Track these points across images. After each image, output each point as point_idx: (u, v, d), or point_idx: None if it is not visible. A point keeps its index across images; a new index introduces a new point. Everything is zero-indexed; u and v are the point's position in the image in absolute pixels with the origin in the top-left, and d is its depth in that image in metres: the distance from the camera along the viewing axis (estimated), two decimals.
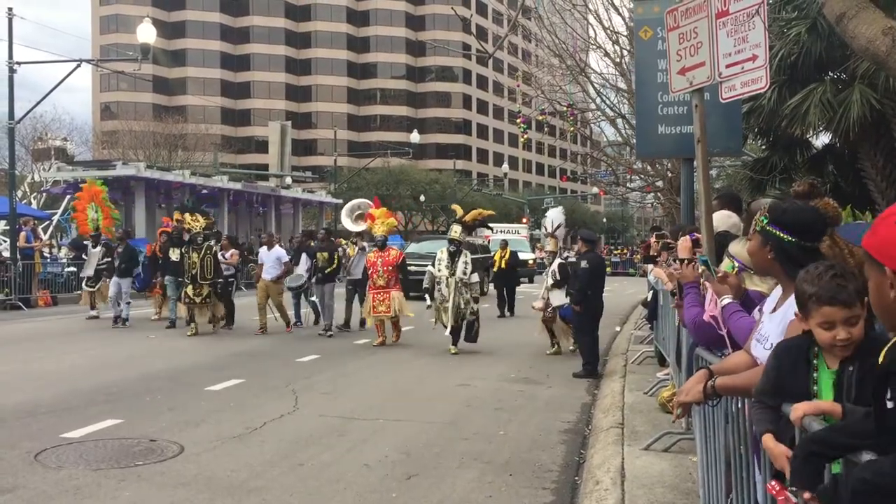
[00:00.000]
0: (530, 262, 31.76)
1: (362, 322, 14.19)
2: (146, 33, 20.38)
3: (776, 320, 2.94)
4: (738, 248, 4.00)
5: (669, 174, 17.77)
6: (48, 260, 22.88)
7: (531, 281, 30.79)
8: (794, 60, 11.57)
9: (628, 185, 29.31)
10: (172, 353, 11.74)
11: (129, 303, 15.52)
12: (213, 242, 14.66)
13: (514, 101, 28.74)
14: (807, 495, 2.11)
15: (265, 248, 15.26)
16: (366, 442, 6.64)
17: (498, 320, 17.54)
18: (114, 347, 12.36)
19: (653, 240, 10.15)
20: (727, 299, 3.65)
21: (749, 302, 3.63)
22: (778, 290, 3.07)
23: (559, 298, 11.60)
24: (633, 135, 16.93)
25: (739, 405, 3.20)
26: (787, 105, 11.31)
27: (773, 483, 2.34)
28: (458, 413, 7.89)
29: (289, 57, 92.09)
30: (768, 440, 2.46)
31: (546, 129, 30.11)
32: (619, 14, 18.42)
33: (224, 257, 15.03)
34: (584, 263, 10.78)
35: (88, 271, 16.99)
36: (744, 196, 11.41)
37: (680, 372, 6.27)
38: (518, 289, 20.82)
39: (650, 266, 10.14)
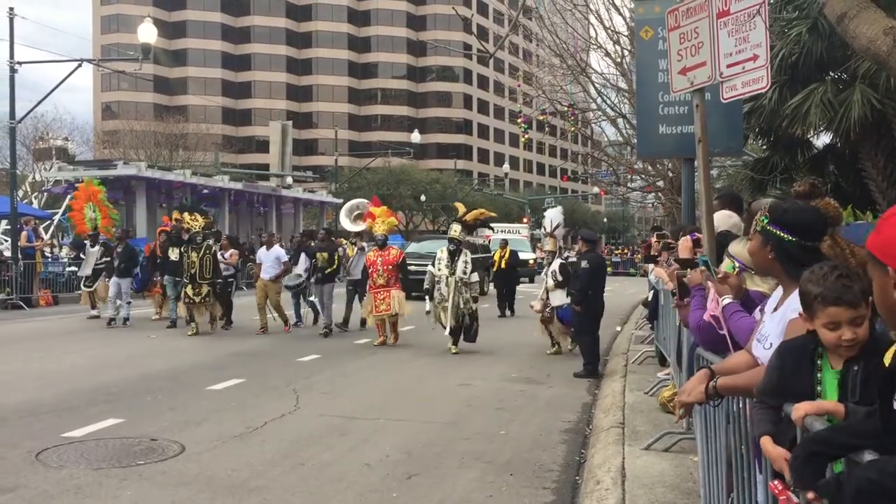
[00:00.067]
0: (531, 261, 31.75)
1: (363, 322, 14.18)
2: (147, 33, 20.39)
3: (776, 320, 2.94)
4: (738, 248, 4.00)
5: (670, 174, 17.76)
6: (49, 259, 22.89)
7: (532, 281, 30.78)
8: (794, 60, 11.57)
9: (629, 184, 29.30)
10: (173, 353, 11.75)
11: (129, 302, 15.52)
12: (212, 242, 14.65)
13: (515, 101, 28.74)
14: (810, 495, 2.11)
15: (264, 247, 15.25)
16: (367, 441, 6.65)
17: (498, 320, 17.54)
18: (114, 347, 12.37)
19: (653, 240, 10.15)
20: (727, 299, 3.65)
21: (750, 302, 3.63)
22: (779, 291, 3.07)
23: (559, 299, 11.59)
24: (633, 135, 16.93)
25: (741, 405, 3.20)
26: (788, 105, 11.31)
27: (776, 483, 2.35)
28: (459, 413, 7.90)
29: (290, 57, 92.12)
30: (766, 443, 2.46)
31: (547, 128, 30.08)
32: (620, 14, 18.40)
33: (224, 257, 15.02)
34: (584, 263, 10.78)
35: (86, 271, 16.97)
36: (744, 196, 11.41)
37: (680, 372, 6.27)
38: (518, 288, 20.82)
39: (651, 266, 10.15)
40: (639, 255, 38.15)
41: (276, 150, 45.57)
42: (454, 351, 12.05)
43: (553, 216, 12.78)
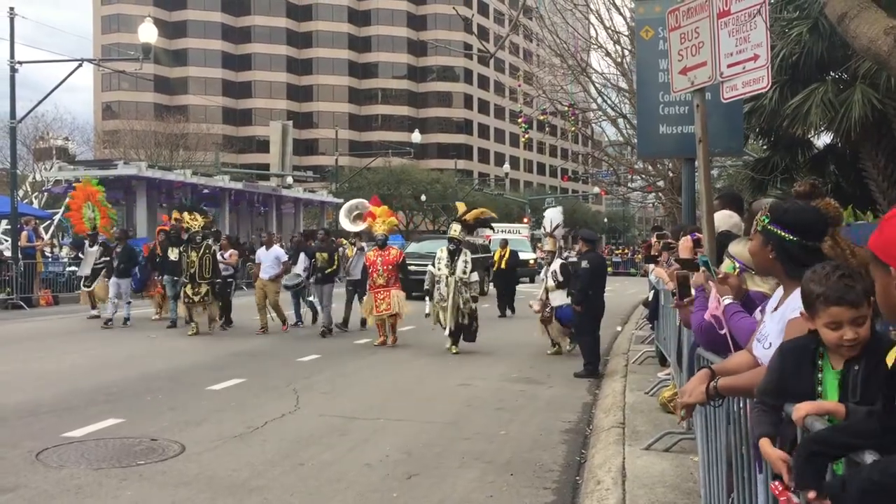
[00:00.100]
0: (531, 262, 31.75)
1: (363, 322, 14.17)
2: (147, 33, 20.40)
3: (776, 319, 2.94)
4: (738, 248, 3.99)
5: (671, 174, 17.76)
6: (50, 259, 22.89)
7: (532, 281, 30.78)
8: (795, 60, 11.57)
9: (629, 184, 29.29)
10: (173, 353, 11.75)
11: (129, 302, 15.50)
12: (211, 241, 14.63)
13: (516, 101, 28.73)
14: (811, 495, 2.11)
15: (263, 247, 15.21)
16: (367, 441, 6.64)
17: (498, 320, 17.54)
18: (114, 347, 12.36)
19: (654, 240, 10.16)
20: (728, 300, 3.65)
21: (750, 303, 3.63)
22: (780, 290, 3.07)
23: (560, 299, 11.57)
24: (634, 135, 16.93)
25: (741, 405, 3.20)
26: (789, 105, 11.31)
27: (776, 483, 2.34)
28: (459, 413, 7.89)
29: (290, 56, 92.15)
30: (765, 445, 2.46)
31: (547, 128, 30.08)
32: (621, 14, 18.39)
33: (223, 257, 15.00)
34: (584, 263, 10.78)
35: (85, 270, 16.94)
36: (745, 196, 11.42)
37: (681, 372, 6.27)
38: (518, 288, 20.81)
39: (651, 266, 10.15)
40: (639, 255, 38.15)
41: (277, 149, 45.58)
42: (454, 351, 12.05)
43: (553, 216, 12.77)
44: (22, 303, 19.29)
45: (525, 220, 56.11)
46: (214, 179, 32.46)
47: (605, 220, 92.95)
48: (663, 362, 9.37)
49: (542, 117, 25.13)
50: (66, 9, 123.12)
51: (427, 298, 12.35)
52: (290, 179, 42.14)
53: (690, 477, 5.10)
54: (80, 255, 18.46)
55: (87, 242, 17.37)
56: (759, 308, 3.31)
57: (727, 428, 3.49)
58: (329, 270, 14.46)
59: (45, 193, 31.38)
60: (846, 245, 2.81)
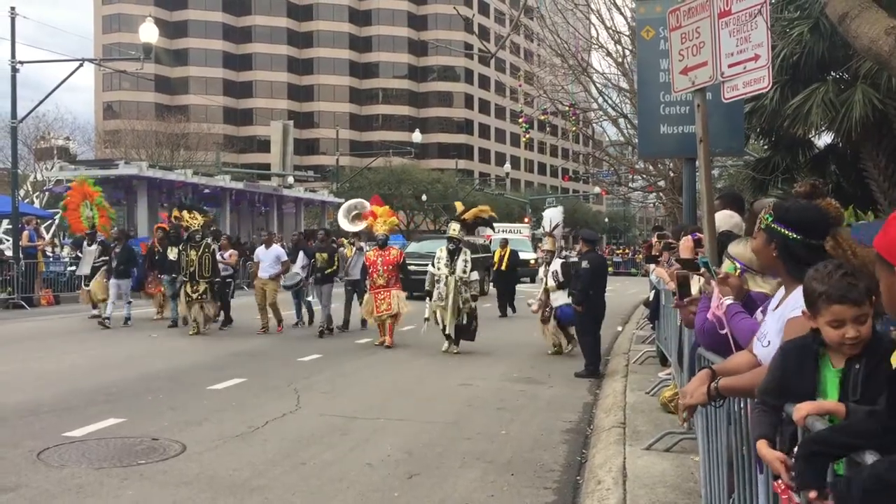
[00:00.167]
0: (531, 261, 31.74)
1: (363, 322, 14.16)
2: (148, 33, 20.41)
3: (775, 318, 2.95)
4: (738, 248, 3.98)
5: (671, 174, 17.76)
6: (51, 259, 22.90)
7: (533, 281, 30.77)
8: (796, 60, 11.56)
9: (630, 184, 29.30)
10: (173, 353, 11.75)
11: (129, 302, 15.47)
12: (210, 241, 14.60)
13: (516, 101, 28.72)
14: (811, 495, 2.11)
15: (263, 246, 15.15)
16: (368, 441, 6.65)
17: (498, 320, 17.54)
18: (114, 347, 12.36)
19: (654, 239, 10.16)
20: (729, 300, 3.65)
21: (751, 303, 3.62)
22: (782, 290, 3.07)
23: (561, 299, 11.56)
24: (635, 134, 16.93)
25: (742, 405, 3.20)
26: (790, 105, 11.30)
27: (778, 482, 2.35)
28: (460, 413, 7.90)
29: (291, 56, 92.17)
30: (762, 446, 2.46)
31: (548, 128, 30.07)
32: (622, 14, 18.39)
33: (223, 257, 14.99)
34: (585, 263, 10.77)
35: (84, 270, 16.91)
36: (746, 196, 11.42)
37: (682, 372, 6.27)
38: (519, 288, 20.79)
39: (652, 266, 10.15)
40: (640, 255, 38.13)
41: (278, 149, 45.57)
42: (455, 351, 12.04)
43: (552, 216, 12.76)
44: (23, 302, 19.31)
45: (526, 219, 56.11)
46: (215, 179, 32.45)
47: (606, 219, 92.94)
48: (664, 362, 9.37)
49: (542, 117, 25.13)
50: (67, 9, 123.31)
51: (427, 299, 12.32)
52: (290, 179, 42.13)
53: (691, 477, 5.10)
54: (78, 254, 18.44)
55: (85, 241, 17.36)
56: (761, 308, 3.31)
57: (728, 428, 3.49)
58: (329, 271, 14.45)
59: (46, 193, 31.38)
60: (847, 245, 2.80)
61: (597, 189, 50.61)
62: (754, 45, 5.12)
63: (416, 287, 15.72)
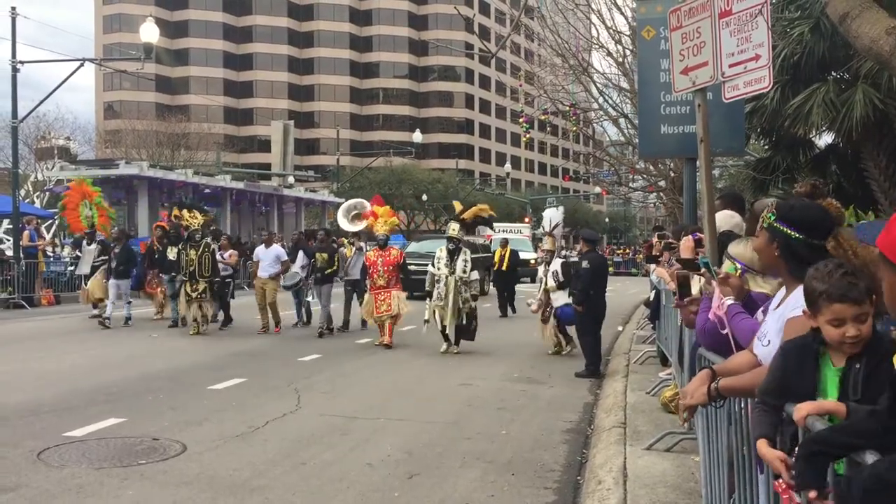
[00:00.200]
0: (532, 261, 31.73)
1: (363, 322, 14.13)
2: (149, 32, 20.41)
3: (776, 318, 2.94)
4: (738, 249, 3.98)
5: (672, 174, 17.76)
6: (51, 259, 22.91)
7: (533, 281, 30.76)
8: (797, 60, 11.55)
9: (631, 184, 29.28)
10: (173, 353, 11.75)
11: (129, 302, 15.44)
12: (209, 240, 14.57)
13: (517, 101, 28.72)
14: (811, 494, 2.11)
15: (263, 245, 15.12)
16: (368, 441, 6.65)
17: (499, 320, 17.53)
18: (114, 347, 12.36)
19: (655, 239, 10.15)
20: (729, 300, 3.65)
21: (752, 303, 3.62)
22: (783, 290, 3.06)
23: (561, 299, 11.54)
24: (635, 134, 16.92)
25: (742, 405, 3.20)
26: (790, 105, 11.29)
27: (779, 481, 2.35)
28: (460, 413, 7.89)
29: (291, 56, 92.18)
30: (762, 446, 2.46)
31: (548, 128, 30.08)
32: (622, 14, 18.38)
33: (223, 257, 14.96)
34: (585, 263, 10.77)
35: (84, 269, 16.89)
36: (746, 196, 11.40)
37: (682, 372, 6.27)
38: (519, 288, 20.78)
39: (652, 266, 10.14)
40: (640, 255, 38.12)
41: (278, 149, 45.56)
42: (455, 351, 12.03)
43: (552, 215, 12.75)
44: (24, 302, 19.31)
45: (526, 219, 56.12)
46: (216, 179, 32.45)
47: (607, 219, 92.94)
48: (664, 362, 9.37)
49: (543, 117, 25.13)
50: (68, 8, 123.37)
51: (428, 299, 12.28)
52: (291, 179, 42.13)
53: (692, 477, 5.10)
54: (78, 253, 18.41)
55: (84, 241, 17.35)
56: (762, 309, 3.31)
57: (728, 429, 3.49)
58: (329, 271, 14.43)
59: (47, 193, 31.43)
60: (848, 245, 2.81)
61: (597, 189, 50.64)
62: (755, 44, 5.12)
63: (416, 287, 15.70)
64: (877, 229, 1.99)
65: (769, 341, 2.90)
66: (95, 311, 16.26)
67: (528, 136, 30.72)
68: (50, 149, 46.00)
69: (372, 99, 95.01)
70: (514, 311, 18.62)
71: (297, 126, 66.70)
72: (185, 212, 14.47)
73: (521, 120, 26.90)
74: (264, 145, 67.44)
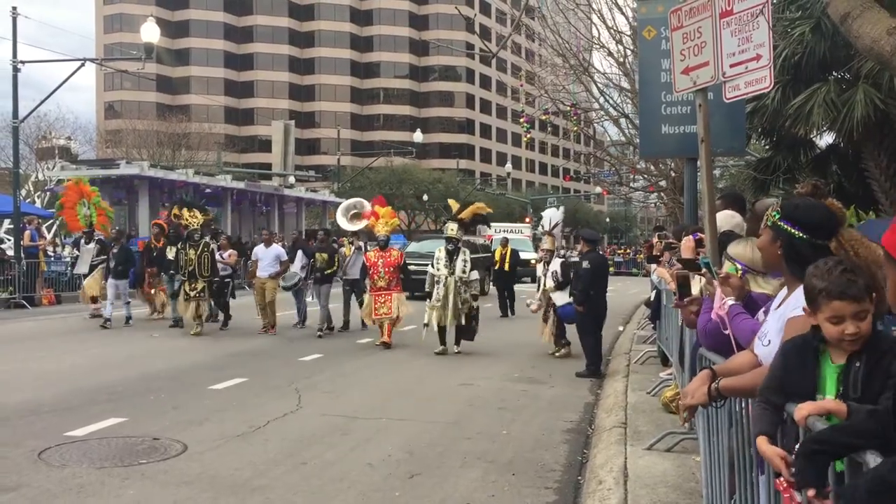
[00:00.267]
0: (532, 261, 31.71)
1: (364, 322, 14.12)
2: (150, 32, 20.42)
3: (776, 317, 2.94)
4: (738, 249, 3.97)
5: (673, 174, 17.76)
6: (52, 259, 22.91)
7: (534, 280, 30.75)
8: (797, 60, 11.54)
9: (631, 184, 29.28)
10: (173, 353, 11.75)
11: (128, 302, 15.42)
12: (208, 239, 14.54)
13: (518, 101, 28.73)
14: (810, 493, 2.11)
15: (262, 245, 15.08)
16: (369, 441, 6.65)
17: (499, 320, 17.53)
18: (114, 347, 12.36)
19: (655, 239, 10.16)
20: (730, 301, 3.64)
21: (753, 304, 3.62)
22: (784, 290, 3.06)
23: (562, 298, 11.52)
24: (636, 134, 16.93)
25: (743, 405, 3.20)
26: (791, 105, 11.28)
27: (780, 480, 2.35)
28: (461, 412, 7.90)
29: (292, 56, 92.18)
30: (762, 443, 2.47)
31: (549, 128, 30.07)
32: (623, 14, 18.38)
33: (222, 257, 14.93)
34: (585, 264, 10.76)
35: (83, 269, 16.87)
36: (747, 196, 11.40)
37: (683, 372, 6.27)
38: (520, 288, 20.76)
39: (653, 266, 10.14)
40: (641, 255, 38.11)
41: (279, 149, 45.55)
42: (456, 351, 12.02)
43: (552, 215, 12.73)
44: (24, 302, 19.31)
45: (527, 219, 56.10)
46: (216, 179, 32.47)
47: (608, 219, 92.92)
48: (665, 362, 9.37)
49: (544, 117, 25.14)
50: (69, 8, 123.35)
51: (428, 300, 12.24)
52: (292, 179, 42.14)
53: (692, 477, 5.10)
54: (76, 252, 18.39)
55: (83, 240, 17.34)
56: (763, 309, 3.31)
57: (729, 429, 3.49)
58: (329, 271, 14.42)
59: (48, 193, 31.41)
60: (850, 246, 2.81)
61: (598, 189, 50.67)
62: (756, 44, 5.12)
63: (416, 287, 15.69)
64: (880, 228, 2.00)
65: (769, 341, 2.90)
66: (93, 307, 16.20)
67: (528, 136, 30.74)
68: (51, 149, 45.95)
69: (373, 99, 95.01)
70: (513, 312, 18.52)
71: (298, 126, 66.73)
72: (184, 211, 14.39)
73: (521, 120, 26.91)
74: (265, 145, 67.43)
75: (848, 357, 2.40)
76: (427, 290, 12.28)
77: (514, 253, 19.70)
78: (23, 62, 21.11)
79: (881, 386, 2.25)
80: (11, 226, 23.22)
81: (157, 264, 15.71)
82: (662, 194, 22.54)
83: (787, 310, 2.86)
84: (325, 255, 14.45)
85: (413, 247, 25.40)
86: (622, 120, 20.33)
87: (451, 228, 12.36)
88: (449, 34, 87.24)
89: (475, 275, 12.42)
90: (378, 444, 6.52)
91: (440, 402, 8.43)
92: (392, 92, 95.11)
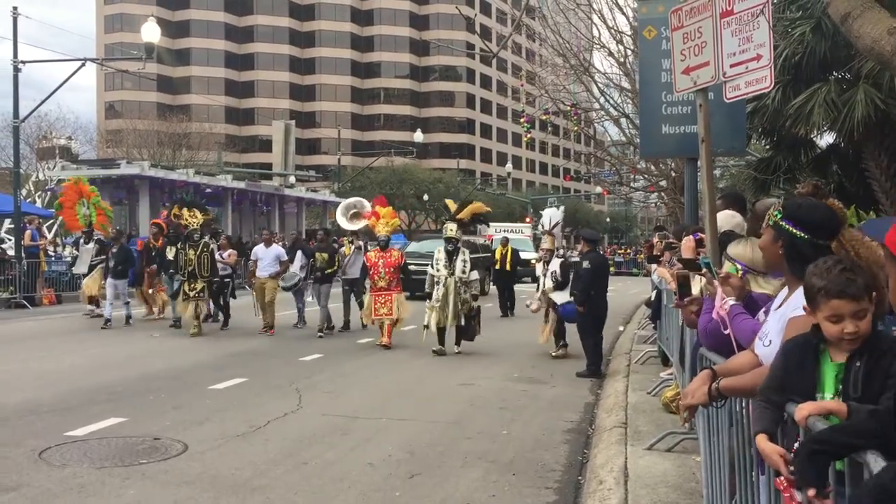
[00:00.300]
0: (533, 261, 31.70)
1: (364, 322, 14.11)
2: (151, 32, 20.43)
3: (777, 318, 2.94)
4: (738, 249, 3.97)
5: (673, 174, 17.76)
6: (53, 258, 22.91)
7: (534, 280, 30.75)
8: (798, 60, 11.54)
9: (632, 184, 29.28)
10: (174, 353, 11.75)
11: (127, 302, 15.41)
12: (208, 239, 14.52)
13: (518, 101, 28.73)
14: (810, 493, 2.12)
15: (262, 245, 15.06)
16: (369, 441, 6.65)
17: (500, 320, 17.53)
18: (114, 347, 12.36)
19: (656, 239, 10.16)
20: (731, 301, 3.64)
21: (753, 304, 3.62)
22: (785, 290, 3.06)
23: (562, 297, 11.51)
24: (636, 134, 16.93)
25: (743, 405, 3.20)
26: (792, 105, 11.28)
27: (781, 479, 2.35)
28: (462, 412, 7.90)
29: (293, 56, 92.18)
30: (761, 440, 2.47)
31: (549, 128, 30.06)
32: (624, 13, 18.39)
33: (221, 257, 14.91)
34: (586, 264, 10.75)
35: (82, 268, 16.86)
36: (748, 196, 11.40)
37: (683, 372, 6.27)
38: (521, 287, 20.75)
39: (654, 266, 10.14)
40: (642, 255, 38.10)
41: (279, 149, 45.58)
42: (457, 351, 12.01)
43: (552, 214, 12.71)
44: (25, 302, 19.31)
45: (527, 219, 56.10)
46: (217, 179, 32.46)
47: (608, 219, 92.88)
48: (666, 362, 9.37)
49: (544, 117, 25.14)
50: (70, 8, 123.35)
51: (428, 301, 12.22)
52: (292, 179, 42.15)
53: (693, 477, 5.10)
54: (74, 251, 18.36)
55: (81, 240, 17.32)
56: (763, 310, 3.31)
57: (729, 429, 3.49)
58: (329, 271, 14.41)
59: (48, 192, 31.43)
60: (850, 246, 2.81)
61: (598, 189, 50.61)
62: (756, 44, 5.12)
63: (416, 287, 15.69)
64: (883, 226, 2.00)
65: (770, 341, 2.90)
66: (89, 308, 16.18)
67: (529, 136, 30.73)
68: (51, 148, 45.96)
69: (373, 99, 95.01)
70: (512, 312, 18.48)
71: (299, 126, 66.77)
72: (184, 211, 14.32)
73: (522, 120, 26.91)
74: (265, 145, 67.48)
75: (848, 357, 2.41)
76: (427, 290, 12.27)
77: (515, 253, 19.69)
78: (23, 62, 21.12)
79: (881, 386, 2.25)
80: (12, 225, 23.22)
81: (156, 264, 15.69)
82: (663, 194, 22.54)
83: (788, 310, 2.85)
84: (325, 255, 14.44)
85: (413, 246, 25.40)
86: (622, 120, 20.34)
87: (450, 229, 12.32)
88: (449, 34, 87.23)
89: (475, 275, 12.40)
90: (378, 444, 6.52)
91: (440, 402, 8.43)
92: (392, 92, 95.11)
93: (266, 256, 14.64)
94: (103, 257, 15.80)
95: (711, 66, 5.44)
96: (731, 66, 5.29)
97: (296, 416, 7.59)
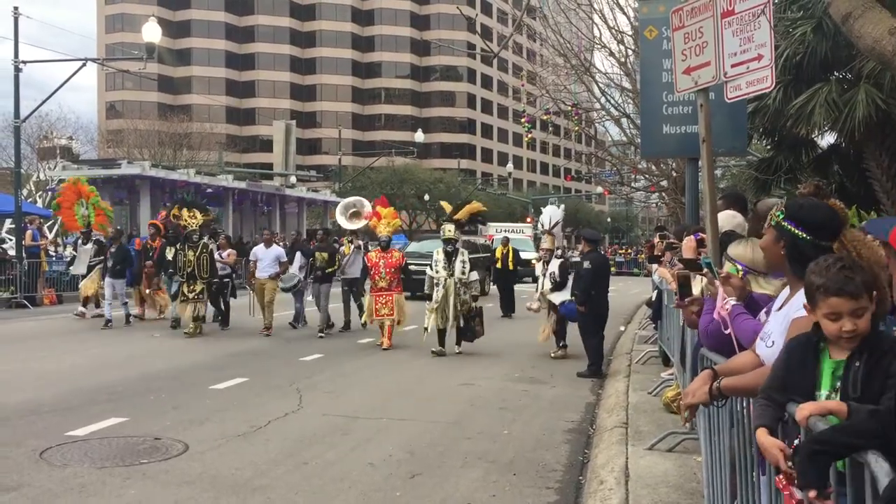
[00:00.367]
0: (533, 261, 31.70)
1: (364, 322, 14.10)
2: (151, 32, 20.44)
3: (779, 318, 2.94)
4: (738, 250, 3.97)
5: (674, 174, 17.75)
6: (53, 258, 22.91)
7: (535, 280, 30.74)
8: (799, 60, 11.54)
9: (633, 184, 29.26)
10: (174, 353, 11.75)
11: (125, 303, 15.39)
12: (207, 240, 14.49)
13: (519, 101, 28.72)
14: (811, 493, 2.11)
15: (262, 245, 15.04)
16: (370, 441, 6.65)
17: (500, 320, 17.52)
18: (115, 347, 12.36)
19: (657, 239, 10.15)
20: (732, 301, 3.64)
21: (754, 304, 3.62)
22: (786, 290, 3.06)
23: (562, 296, 11.50)
24: (637, 134, 16.92)
25: (744, 405, 3.19)
26: (793, 105, 11.28)
27: (780, 477, 2.35)
28: (462, 412, 7.89)
29: (293, 56, 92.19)
30: (761, 435, 2.48)
31: (550, 128, 30.06)
32: (625, 13, 18.38)
33: (221, 257, 14.88)
34: (586, 264, 10.75)
35: (81, 269, 16.85)
36: (749, 196, 11.39)
37: (684, 372, 6.27)
38: (521, 287, 20.74)
39: (654, 266, 10.14)
40: (642, 255, 38.09)
41: (280, 149, 45.56)
42: (457, 351, 12.01)
43: (552, 213, 12.67)
44: (26, 302, 19.31)
45: (528, 219, 56.08)
46: (218, 179, 32.46)
47: (609, 219, 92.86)
48: (666, 362, 9.36)
49: (545, 117, 25.13)
50: (70, 8, 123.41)
51: (428, 302, 12.20)
52: (293, 179, 42.15)
53: (694, 477, 5.10)
54: (73, 251, 18.35)
55: (80, 240, 17.31)
56: (764, 310, 3.30)
57: (730, 429, 3.49)
58: (329, 271, 14.39)
59: (49, 192, 31.42)
60: (852, 246, 2.80)
61: (599, 189, 50.65)
62: (757, 44, 5.11)
63: (417, 287, 15.69)
64: (884, 226, 2.00)
65: (773, 342, 2.90)
66: (97, 310, 16.19)
67: (530, 136, 30.73)
68: (52, 148, 45.95)
69: (374, 99, 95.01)
70: (513, 312, 18.46)
71: (299, 126, 66.80)
72: (183, 211, 14.24)
73: (522, 120, 26.91)
74: (266, 145, 67.47)
75: (848, 356, 2.41)
76: (426, 291, 12.25)
77: (515, 252, 19.69)
78: (24, 62, 21.13)
79: (881, 386, 2.25)
80: (13, 225, 23.22)
81: (154, 264, 15.66)
82: (664, 194, 22.53)
83: (791, 310, 2.85)
84: (325, 255, 14.43)
85: (413, 246, 25.40)
86: (623, 120, 20.33)
87: (448, 230, 12.30)
88: (450, 34, 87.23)
89: (475, 275, 12.39)
90: (379, 444, 6.52)
91: (441, 402, 8.43)
92: (393, 92, 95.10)
93: (266, 257, 14.60)
94: (102, 258, 15.79)
95: (712, 66, 5.44)
96: (732, 66, 5.28)
97: (296, 416, 7.59)
